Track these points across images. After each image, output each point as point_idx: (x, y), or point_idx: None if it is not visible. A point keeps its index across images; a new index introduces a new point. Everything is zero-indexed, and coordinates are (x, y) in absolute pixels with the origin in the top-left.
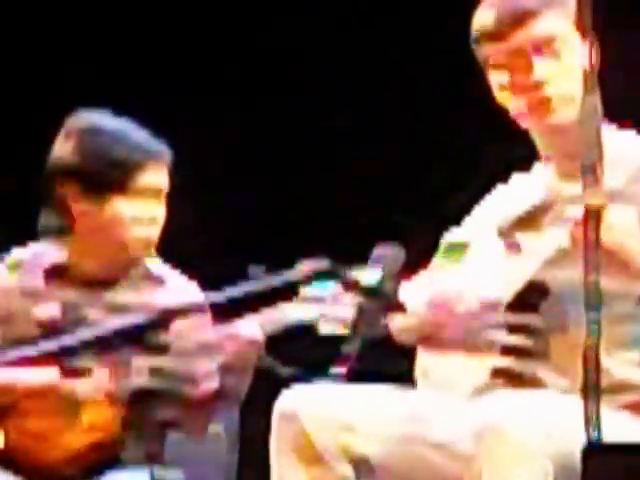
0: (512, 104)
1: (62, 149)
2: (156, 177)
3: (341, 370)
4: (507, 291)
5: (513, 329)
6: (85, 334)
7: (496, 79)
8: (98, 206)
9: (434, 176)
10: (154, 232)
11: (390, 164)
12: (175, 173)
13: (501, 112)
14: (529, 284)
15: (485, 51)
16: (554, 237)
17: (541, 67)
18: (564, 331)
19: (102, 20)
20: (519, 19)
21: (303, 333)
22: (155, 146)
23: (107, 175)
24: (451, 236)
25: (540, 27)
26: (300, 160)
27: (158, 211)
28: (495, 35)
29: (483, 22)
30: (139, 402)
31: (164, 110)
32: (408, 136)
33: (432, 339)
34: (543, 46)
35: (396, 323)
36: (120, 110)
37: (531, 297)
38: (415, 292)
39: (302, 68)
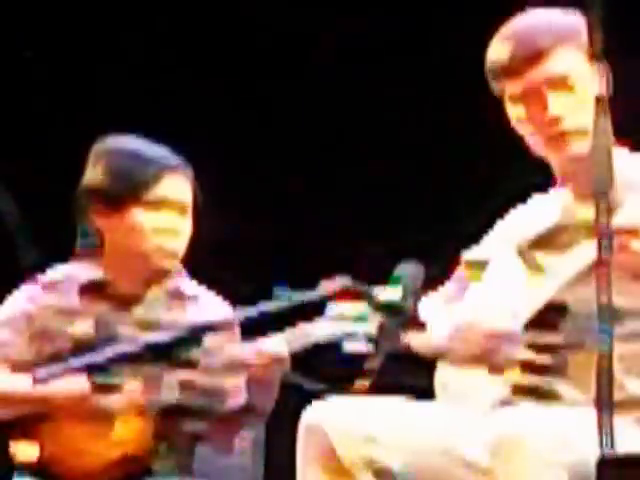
0: (529, 136)
1: (88, 171)
2: (172, 189)
3: (364, 385)
4: (527, 310)
5: (532, 346)
6: (117, 350)
7: (513, 111)
8: (118, 218)
9: (454, 195)
10: (176, 244)
11: (410, 182)
12: (201, 191)
13: (519, 136)
14: (549, 303)
15: (501, 85)
16: (575, 258)
17: (556, 103)
18: (582, 348)
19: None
20: (534, 58)
21: (327, 350)
22: (171, 159)
23: (125, 188)
24: (471, 254)
25: (554, 65)
26: (321, 179)
27: (180, 223)
28: (510, 71)
29: (498, 56)
30: (169, 416)
31: (189, 130)
32: (428, 155)
33: (451, 357)
34: (558, 83)
35: (416, 341)
36: (146, 132)
37: (550, 315)
38: (435, 312)
39: (320, 88)
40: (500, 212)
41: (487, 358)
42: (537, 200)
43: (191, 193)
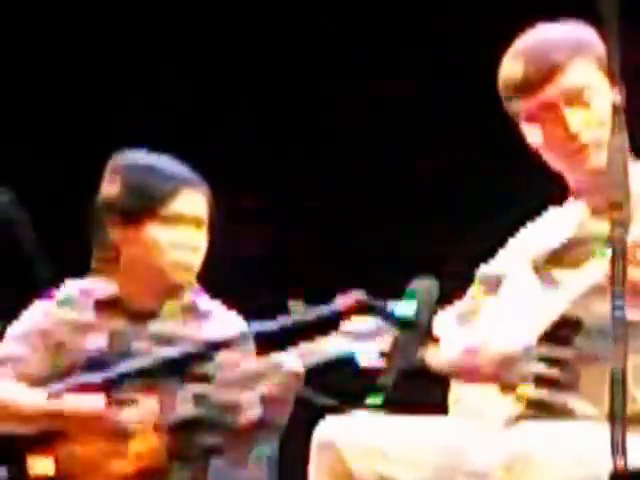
0: (546, 153)
1: (105, 186)
2: (188, 204)
3: (378, 400)
4: (541, 324)
5: (545, 361)
6: (132, 365)
7: (528, 130)
8: (135, 233)
9: (468, 209)
10: (192, 258)
11: (424, 197)
12: (216, 207)
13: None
14: (562, 317)
15: (515, 104)
16: (589, 272)
17: (574, 119)
18: (595, 362)
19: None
20: (548, 74)
21: (341, 365)
22: (187, 175)
23: (141, 203)
24: (485, 269)
25: (569, 80)
26: (335, 194)
27: (196, 239)
28: (525, 88)
29: (511, 74)
30: (184, 431)
31: (207, 146)
32: (443, 171)
33: (465, 373)
34: (574, 97)
35: (430, 356)
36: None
37: (563, 330)
38: (449, 328)
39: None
40: (515, 227)
41: (500, 376)
42: (552, 214)
43: (207, 209)
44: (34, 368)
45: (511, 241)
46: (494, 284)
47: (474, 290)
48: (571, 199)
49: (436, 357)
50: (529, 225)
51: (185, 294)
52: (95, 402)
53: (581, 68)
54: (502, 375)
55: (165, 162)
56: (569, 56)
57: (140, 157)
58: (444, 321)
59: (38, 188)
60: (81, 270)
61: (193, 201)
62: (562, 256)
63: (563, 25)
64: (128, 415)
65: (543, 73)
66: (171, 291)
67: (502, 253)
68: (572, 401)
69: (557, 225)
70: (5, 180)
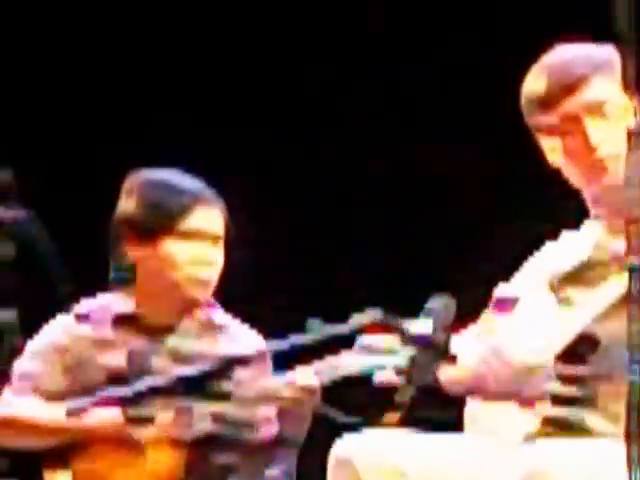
0: (566, 167)
1: (122, 202)
2: (204, 220)
3: (395, 417)
4: (558, 343)
5: (562, 378)
6: (150, 382)
7: (548, 144)
8: (151, 249)
9: (484, 231)
10: (208, 274)
11: (441, 219)
12: (233, 224)
13: (553, 171)
14: (579, 335)
15: (536, 117)
16: (606, 290)
17: (594, 131)
18: (611, 380)
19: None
20: (570, 86)
21: (358, 382)
22: (203, 191)
23: (157, 219)
24: (501, 290)
25: (591, 93)
26: (352, 213)
27: (213, 254)
28: (546, 102)
29: (533, 89)
30: (201, 448)
31: (225, 164)
32: (459, 193)
33: (481, 391)
34: (595, 110)
35: (446, 375)
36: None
37: (580, 348)
38: (466, 346)
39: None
40: (532, 249)
41: (518, 393)
42: (568, 237)
43: (223, 224)
44: (52, 384)
45: (527, 264)
46: (510, 306)
47: (490, 311)
48: (586, 222)
49: (452, 376)
50: (545, 248)
51: (201, 310)
52: (113, 418)
53: (602, 83)
54: (520, 391)
55: (181, 178)
56: (591, 71)
57: (156, 173)
58: (461, 342)
59: (57, 205)
60: (99, 286)
61: (209, 216)
62: (579, 276)
63: (585, 45)
64: (146, 431)
65: (565, 86)
66: (188, 307)
67: (518, 275)
68: (589, 419)
69: (574, 246)
70: (24, 197)
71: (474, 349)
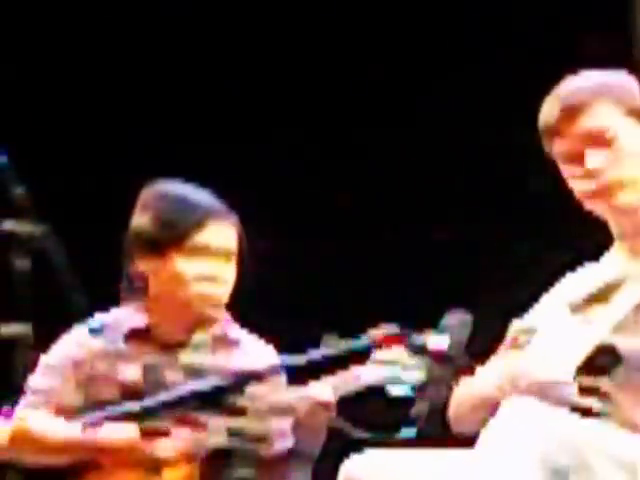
0: (579, 193)
1: (135, 217)
2: (216, 236)
3: (410, 432)
4: (578, 356)
5: (583, 391)
6: (164, 396)
7: (564, 170)
8: (161, 265)
9: (505, 262)
10: (219, 291)
11: (457, 236)
12: (248, 238)
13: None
14: (599, 348)
15: (551, 145)
16: (623, 302)
17: (594, 157)
18: (631, 392)
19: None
20: (570, 114)
21: (373, 396)
22: (216, 207)
23: (167, 235)
24: (520, 322)
25: (590, 121)
26: (370, 228)
27: (224, 270)
28: (556, 131)
29: (545, 118)
30: (216, 462)
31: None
32: (476, 220)
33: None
34: (596, 137)
35: (455, 413)
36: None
37: (600, 359)
38: (487, 375)
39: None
40: (550, 281)
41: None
42: (590, 266)
43: (236, 240)
44: (66, 398)
45: (547, 295)
46: (528, 336)
47: (509, 340)
48: (607, 253)
49: (468, 392)
50: (565, 279)
51: (215, 324)
52: (129, 433)
53: (603, 109)
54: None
55: (196, 193)
56: (590, 98)
57: (171, 188)
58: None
59: (72, 219)
60: (113, 300)
61: (221, 233)
62: (600, 299)
63: (595, 72)
64: (161, 446)
65: (567, 114)
66: (200, 322)
67: (538, 306)
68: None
69: (595, 273)
70: (40, 211)
71: (492, 366)
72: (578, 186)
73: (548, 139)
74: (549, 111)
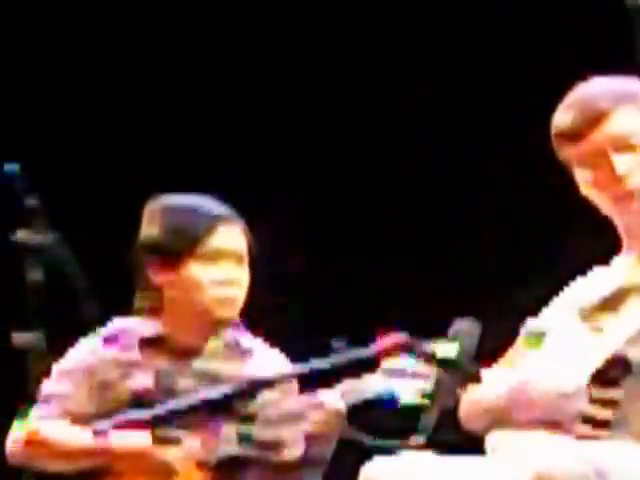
0: (597, 198)
1: (144, 228)
2: (226, 239)
3: (420, 439)
4: (589, 367)
5: (594, 402)
6: (177, 403)
7: (580, 175)
8: (176, 274)
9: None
10: (235, 293)
11: (468, 244)
12: (257, 248)
13: (586, 203)
14: (611, 359)
15: (566, 151)
16: (635, 313)
17: (621, 163)
18: None
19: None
20: (595, 119)
21: (383, 404)
22: (224, 212)
23: (179, 243)
24: (531, 325)
25: (614, 126)
26: (380, 238)
27: (237, 273)
28: (574, 134)
29: (561, 122)
30: (228, 469)
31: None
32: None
33: (511, 418)
34: (620, 142)
35: (466, 412)
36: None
37: (611, 370)
38: (495, 380)
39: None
40: (561, 284)
41: (552, 418)
42: (599, 271)
43: (245, 244)
44: (79, 406)
45: (557, 298)
46: (539, 338)
47: (520, 344)
48: (619, 255)
49: (477, 401)
50: (576, 281)
51: (227, 331)
52: (141, 440)
53: (626, 115)
54: (554, 415)
55: (201, 201)
56: (614, 104)
57: (176, 198)
58: (491, 379)
59: (84, 228)
60: (126, 309)
61: (231, 236)
62: (610, 305)
63: (611, 78)
64: (173, 453)
65: (590, 119)
66: (215, 328)
67: (547, 310)
68: (620, 440)
69: (604, 278)
70: (52, 220)
71: (500, 376)
72: (600, 190)
73: (565, 144)
74: (568, 117)
